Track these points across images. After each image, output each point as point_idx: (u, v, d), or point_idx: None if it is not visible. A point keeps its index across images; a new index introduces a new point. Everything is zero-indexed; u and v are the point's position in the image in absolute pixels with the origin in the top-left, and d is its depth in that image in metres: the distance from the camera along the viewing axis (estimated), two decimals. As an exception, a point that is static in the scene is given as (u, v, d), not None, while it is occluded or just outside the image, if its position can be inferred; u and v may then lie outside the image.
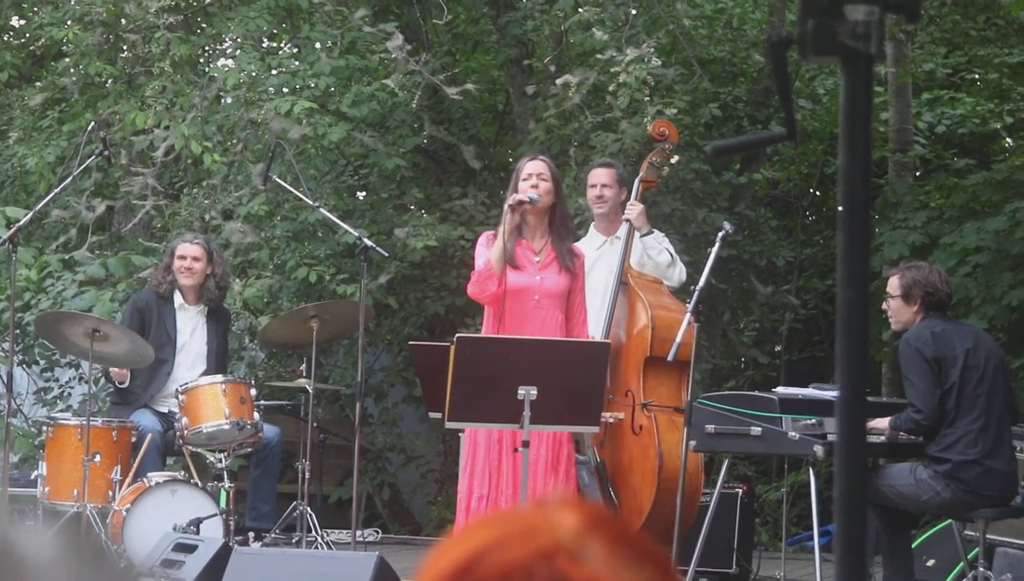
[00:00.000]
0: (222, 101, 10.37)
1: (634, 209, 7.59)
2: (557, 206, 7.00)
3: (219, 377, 7.90)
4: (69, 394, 10.73)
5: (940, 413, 6.65)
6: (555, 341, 6.81)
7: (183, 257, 8.34)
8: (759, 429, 6.78)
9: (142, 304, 8.39)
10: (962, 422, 6.65)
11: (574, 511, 1.22)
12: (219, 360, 8.45)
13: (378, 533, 9.90)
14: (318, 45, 10.22)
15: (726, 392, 8.15)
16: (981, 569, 6.88)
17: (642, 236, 7.59)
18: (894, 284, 6.86)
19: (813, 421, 6.80)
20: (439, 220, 10.48)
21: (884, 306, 6.98)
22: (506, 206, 6.90)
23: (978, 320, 9.18)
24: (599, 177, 7.82)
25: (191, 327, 8.40)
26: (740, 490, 8.18)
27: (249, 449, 7.93)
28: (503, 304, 6.92)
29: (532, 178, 6.94)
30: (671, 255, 7.67)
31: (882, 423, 6.82)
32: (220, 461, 7.51)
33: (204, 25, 11.27)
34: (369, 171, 10.79)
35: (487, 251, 6.96)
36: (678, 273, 7.65)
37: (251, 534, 8.02)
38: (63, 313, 8.54)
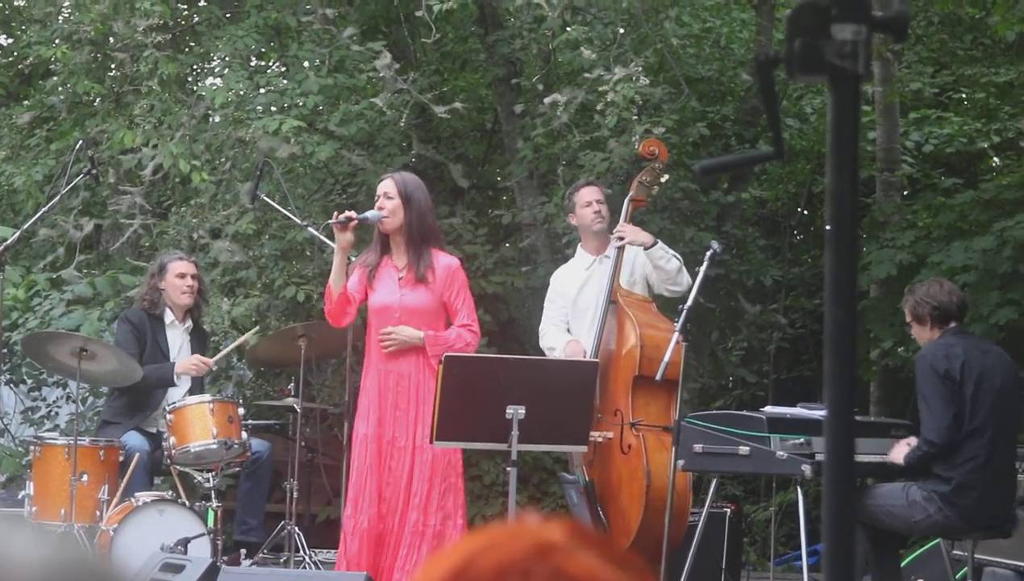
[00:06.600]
0: (210, 120, 10.35)
1: (626, 229, 7.58)
2: (412, 220, 7.07)
3: (207, 396, 7.89)
4: (56, 413, 10.70)
5: (953, 437, 6.51)
6: (543, 361, 6.81)
7: (183, 275, 8.32)
8: (747, 448, 6.77)
9: (137, 321, 8.35)
10: (972, 444, 6.53)
11: (559, 523, 1.23)
12: (202, 377, 8.45)
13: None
14: (306, 64, 10.21)
15: (714, 411, 8.14)
16: (969, 588, 6.87)
17: (647, 249, 7.57)
18: (906, 311, 6.83)
19: (801, 440, 6.79)
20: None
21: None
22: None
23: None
24: (592, 194, 7.80)
25: (179, 345, 8.40)
26: (728, 509, 8.17)
27: (236, 468, 7.91)
28: (371, 324, 7.04)
29: (380, 199, 7.07)
30: (679, 261, 7.65)
31: (897, 457, 6.76)
32: (208, 480, 7.49)
33: (192, 44, 11.27)
34: (357, 190, 10.77)
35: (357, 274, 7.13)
36: (687, 278, 7.61)
37: (243, 551, 8.01)
38: (50, 333, 8.52)
